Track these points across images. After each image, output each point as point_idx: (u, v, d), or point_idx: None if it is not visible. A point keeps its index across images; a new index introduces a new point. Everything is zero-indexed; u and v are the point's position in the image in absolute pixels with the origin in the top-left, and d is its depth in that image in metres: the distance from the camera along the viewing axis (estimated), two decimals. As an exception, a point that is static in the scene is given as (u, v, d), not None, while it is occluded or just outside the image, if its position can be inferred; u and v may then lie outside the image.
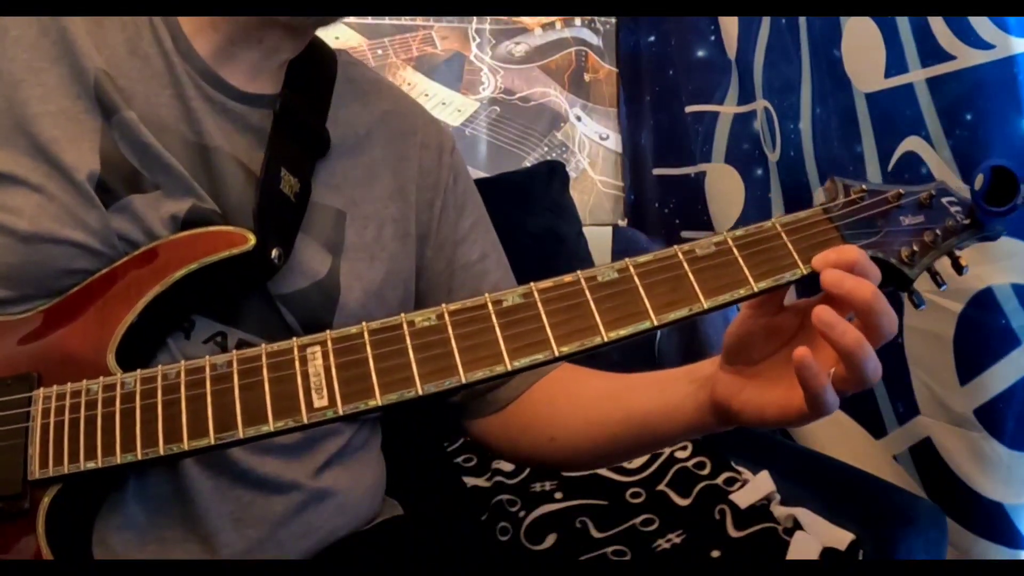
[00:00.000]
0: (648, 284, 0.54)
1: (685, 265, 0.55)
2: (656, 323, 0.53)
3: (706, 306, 0.54)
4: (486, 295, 0.55)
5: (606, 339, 0.53)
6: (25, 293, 0.61)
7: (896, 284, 0.60)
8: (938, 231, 0.60)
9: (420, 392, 0.53)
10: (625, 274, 0.55)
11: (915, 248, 0.59)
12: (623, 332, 0.53)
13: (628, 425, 0.69)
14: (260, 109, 0.70)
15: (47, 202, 0.60)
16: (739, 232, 0.57)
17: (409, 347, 0.54)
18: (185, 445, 0.53)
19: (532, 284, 0.55)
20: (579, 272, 0.55)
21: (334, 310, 0.70)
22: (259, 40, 0.68)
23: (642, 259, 0.55)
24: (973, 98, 1.07)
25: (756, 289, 0.55)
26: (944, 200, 0.62)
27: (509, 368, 0.53)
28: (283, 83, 0.72)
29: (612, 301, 0.54)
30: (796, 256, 0.56)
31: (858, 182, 0.61)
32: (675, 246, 0.56)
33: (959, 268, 0.62)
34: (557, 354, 0.53)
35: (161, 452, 0.54)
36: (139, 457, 0.54)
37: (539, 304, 0.54)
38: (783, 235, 0.57)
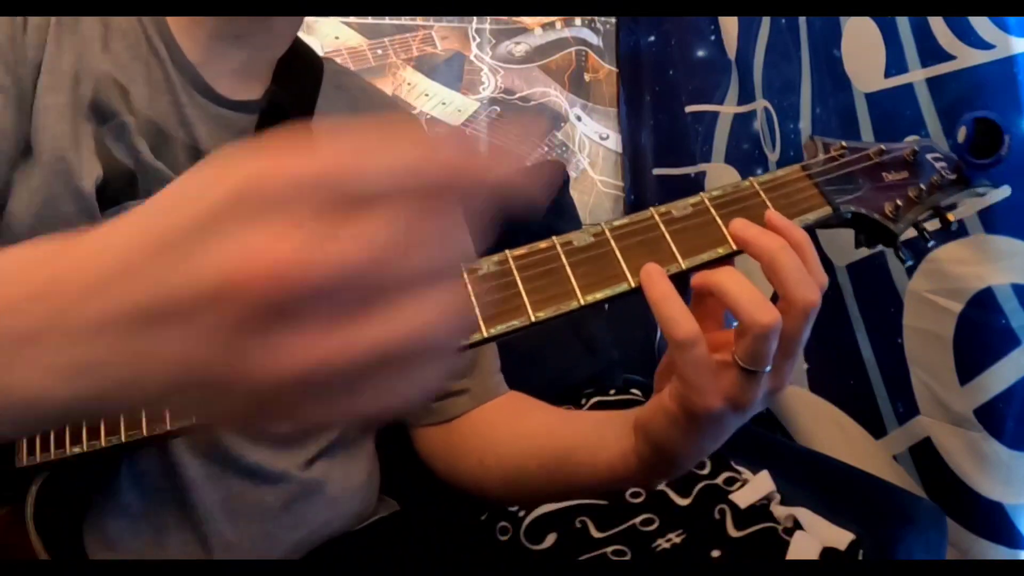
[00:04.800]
0: (625, 246, 0.52)
1: (662, 227, 0.53)
2: (633, 284, 0.52)
3: (684, 266, 0.52)
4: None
5: (583, 302, 0.51)
6: None
7: (882, 240, 0.59)
8: (923, 186, 0.58)
9: None
10: (601, 237, 0.53)
11: (899, 203, 0.57)
12: (600, 295, 0.51)
13: (554, 458, 0.68)
14: (248, 115, 0.70)
15: (47, 207, 0.60)
16: (716, 192, 0.55)
17: None
18: (168, 425, 0.53)
19: (507, 251, 0.53)
20: (554, 238, 0.54)
21: None
22: (236, 36, 0.68)
23: (618, 222, 0.54)
24: (973, 98, 1.07)
25: (735, 247, 0.53)
26: (928, 156, 0.60)
27: (485, 335, 0.50)
28: (271, 81, 0.72)
29: (589, 265, 0.52)
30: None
31: (838, 140, 0.59)
32: (651, 208, 0.54)
33: (947, 223, 0.60)
34: (533, 319, 0.51)
35: (144, 433, 0.53)
36: (123, 440, 0.53)
37: (514, 271, 0.52)
38: (761, 193, 0.55)
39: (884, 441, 1.30)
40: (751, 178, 0.56)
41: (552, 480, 0.69)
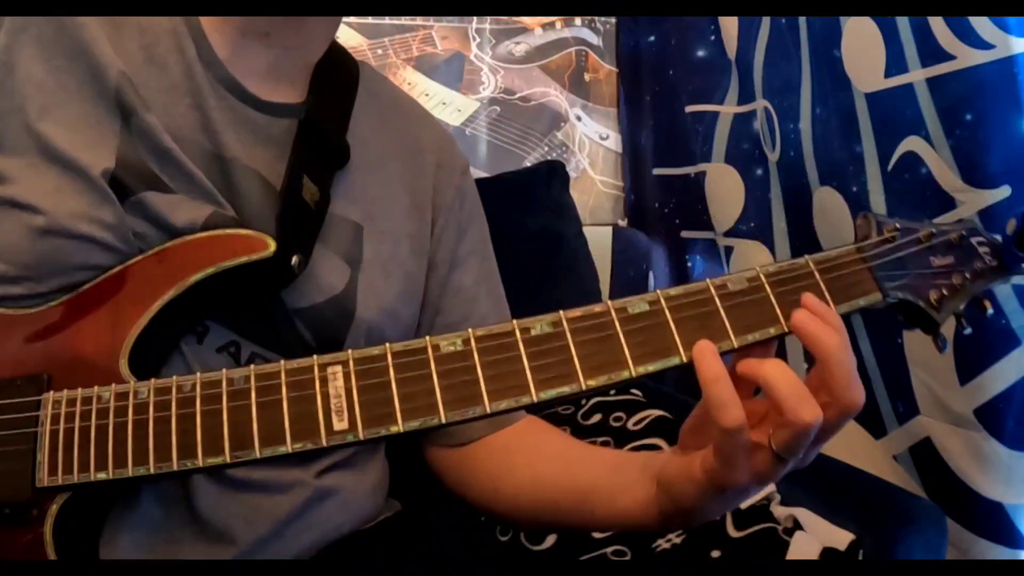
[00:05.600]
0: (679, 319, 0.53)
1: (717, 301, 0.54)
2: (685, 359, 0.52)
3: (736, 344, 0.53)
4: (513, 322, 0.53)
5: (634, 374, 0.52)
6: (40, 289, 0.59)
7: (923, 327, 0.60)
8: (967, 273, 0.61)
9: (443, 420, 0.51)
10: (656, 307, 0.53)
11: (944, 292, 0.59)
12: (651, 367, 0.52)
13: (570, 495, 0.68)
14: (281, 119, 0.69)
15: (64, 199, 0.59)
16: (772, 268, 0.56)
17: (434, 373, 0.52)
18: (200, 462, 0.52)
19: (561, 313, 0.53)
20: (609, 302, 0.54)
21: (349, 325, 0.69)
22: (265, 34, 0.67)
23: (673, 292, 0.54)
24: (973, 98, 1.07)
25: (787, 328, 0.54)
26: (973, 240, 0.62)
27: (535, 400, 0.51)
28: (308, 90, 0.71)
29: (642, 335, 0.53)
30: (829, 297, 0.56)
31: (891, 220, 0.61)
32: (707, 280, 0.55)
33: (984, 310, 0.62)
34: (584, 388, 0.51)
35: (175, 467, 0.52)
36: (152, 471, 0.52)
37: (568, 334, 0.52)
38: (816, 273, 0.56)
39: (884, 441, 1.30)
40: (807, 256, 0.57)
41: (566, 518, 0.69)
